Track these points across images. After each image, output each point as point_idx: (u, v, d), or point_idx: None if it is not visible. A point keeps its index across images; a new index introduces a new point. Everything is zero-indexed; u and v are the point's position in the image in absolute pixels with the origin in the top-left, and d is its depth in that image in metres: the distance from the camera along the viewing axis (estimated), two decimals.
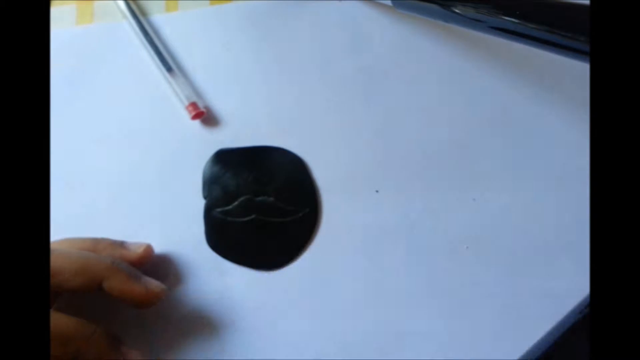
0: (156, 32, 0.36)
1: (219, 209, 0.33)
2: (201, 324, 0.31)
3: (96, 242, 0.30)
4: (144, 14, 0.37)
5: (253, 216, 0.33)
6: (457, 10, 0.28)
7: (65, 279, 0.27)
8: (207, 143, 0.34)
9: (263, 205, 0.32)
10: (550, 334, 0.15)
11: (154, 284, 0.29)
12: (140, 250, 0.31)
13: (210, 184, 0.33)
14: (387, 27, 0.34)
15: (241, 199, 0.33)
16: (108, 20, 0.37)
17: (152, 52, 0.35)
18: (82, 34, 0.37)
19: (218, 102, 0.35)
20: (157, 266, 0.32)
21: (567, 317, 0.16)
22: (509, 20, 0.25)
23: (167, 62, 0.35)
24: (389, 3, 0.32)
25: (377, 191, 0.32)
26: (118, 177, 0.35)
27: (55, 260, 0.27)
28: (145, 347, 0.29)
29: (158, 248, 0.32)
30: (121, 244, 0.31)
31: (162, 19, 0.37)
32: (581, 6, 0.22)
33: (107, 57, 0.37)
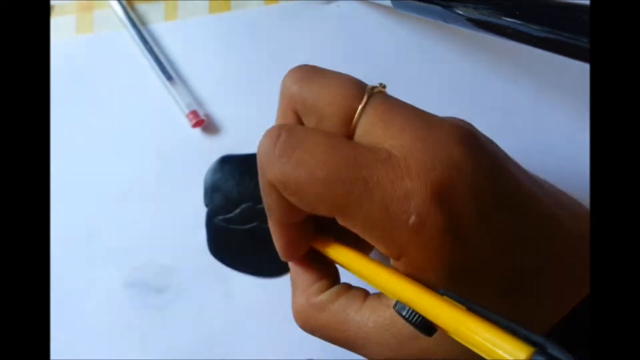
0: (156, 40, 0.36)
1: (220, 217, 0.33)
2: (204, 332, 0.31)
3: None
4: (143, 22, 0.37)
5: (255, 223, 0.32)
6: (457, 11, 0.28)
7: None
8: (208, 151, 0.34)
9: (264, 212, 0.32)
10: (551, 331, 0.15)
11: None
12: None
13: (212, 192, 0.33)
14: (386, 27, 0.34)
15: (243, 206, 0.33)
16: (108, 29, 0.37)
17: (152, 61, 0.35)
18: (82, 44, 0.38)
19: (218, 110, 0.35)
20: (159, 275, 0.32)
21: (568, 314, 0.16)
22: (509, 21, 0.25)
23: (167, 70, 0.35)
24: (389, 4, 0.32)
25: None
26: (119, 186, 0.35)
27: None
28: (149, 355, 0.29)
29: (160, 257, 0.32)
30: None
31: (161, 28, 0.37)
32: (581, 6, 0.22)
33: (107, 66, 0.37)
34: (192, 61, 0.36)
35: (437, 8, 0.29)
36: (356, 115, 0.20)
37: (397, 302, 0.18)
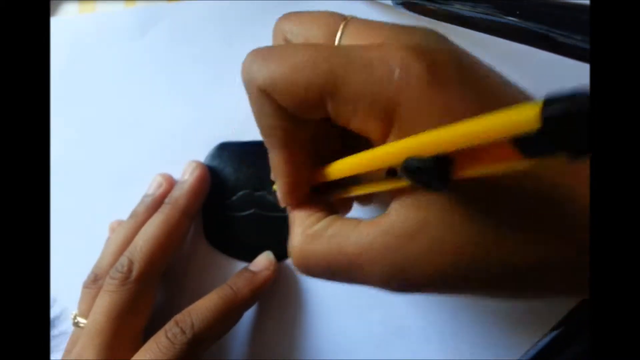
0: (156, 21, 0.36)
1: (218, 203, 0.33)
2: None
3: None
4: None
5: (252, 210, 0.33)
6: (457, 10, 0.28)
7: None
8: (207, 136, 0.34)
9: (262, 199, 0.33)
10: (551, 331, 0.15)
11: (260, 262, 0.31)
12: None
13: (210, 178, 0.33)
14: None
15: (240, 193, 0.33)
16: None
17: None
18: (84, 22, 0.37)
19: (220, 96, 0.35)
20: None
21: (568, 314, 0.16)
22: (509, 20, 0.25)
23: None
24: (389, 3, 0.32)
25: None
26: (117, 170, 0.35)
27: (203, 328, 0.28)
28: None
29: None
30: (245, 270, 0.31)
31: (163, 8, 0.37)
32: (581, 6, 0.22)
33: (107, 46, 0.37)
34: (194, 45, 0.36)
35: (437, 7, 0.29)
36: (338, 34, 0.22)
37: (406, 160, 0.17)
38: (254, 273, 0.30)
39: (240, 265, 0.32)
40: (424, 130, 0.17)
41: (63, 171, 0.35)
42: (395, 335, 0.30)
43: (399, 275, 0.20)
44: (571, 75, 0.31)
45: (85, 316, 0.30)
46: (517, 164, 0.14)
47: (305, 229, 0.23)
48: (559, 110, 0.12)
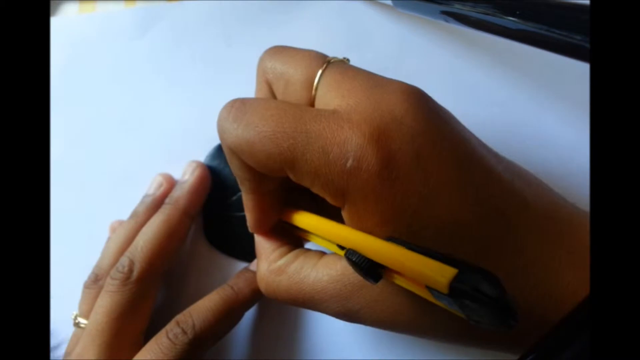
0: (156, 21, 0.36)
1: (217, 203, 0.33)
2: None
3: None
4: None
5: None
6: (456, 10, 0.28)
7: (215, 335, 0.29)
8: (207, 136, 0.34)
9: None
10: (551, 331, 0.15)
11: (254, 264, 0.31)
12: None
13: (210, 178, 0.33)
14: (387, 26, 0.34)
15: (240, 193, 0.33)
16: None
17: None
18: (84, 22, 0.37)
19: (220, 96, 0.35)
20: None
21: (568, 314, 0.16)
22: (509, 20, 0.25)
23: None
24: (389, 3, 0.32)
25: None
26: (117, 170, 0.35)
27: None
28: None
29: None
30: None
31: (163, 8, 0.37)
32: (581, 6, 0.22)
33: (107, 46, 0.37)
34: (194, 45, 0.36)
35: (437, 7, 0.29)
36: (316, 79, 0.22)
37: (348, 250, 0.19)
38: (254, 273, 0.30)
39: (240, 265, 0.32)
40: (370, 218, 0.20)
41: (63, 171, 0.35)
42: (395, 335, 0.30)
43: (349, 315, 0.22)
44: (571, 75, 0.31)
45: (86, 317, 0.30)
46: (431, 298, 0.16)
47: (270, 264, 0.25)
48: (466, 285, 0.14)
